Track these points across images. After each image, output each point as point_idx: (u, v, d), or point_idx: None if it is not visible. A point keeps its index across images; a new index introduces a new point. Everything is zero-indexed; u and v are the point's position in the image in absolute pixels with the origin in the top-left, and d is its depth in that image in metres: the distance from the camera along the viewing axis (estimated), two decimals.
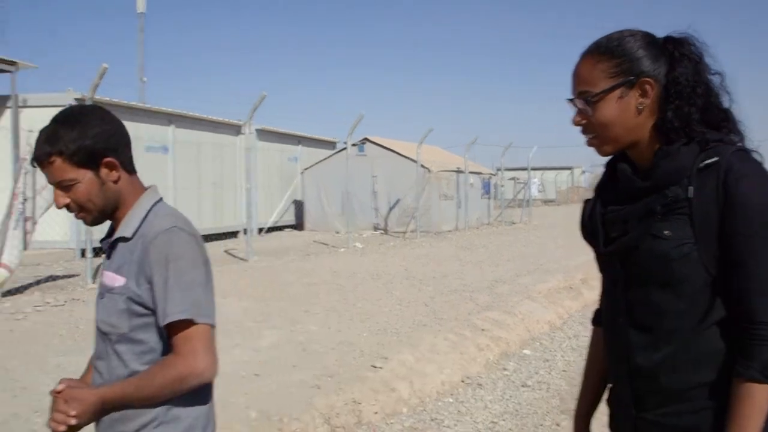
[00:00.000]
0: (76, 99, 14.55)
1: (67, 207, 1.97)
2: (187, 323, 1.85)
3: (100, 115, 2.02)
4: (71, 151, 1.90)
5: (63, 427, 1.82)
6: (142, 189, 2.06)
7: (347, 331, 7.51)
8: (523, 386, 6.46)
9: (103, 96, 14.42)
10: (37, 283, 10.57)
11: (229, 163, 19.93)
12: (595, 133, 1.73)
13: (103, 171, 1.94)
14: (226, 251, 15.60)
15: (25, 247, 9.62)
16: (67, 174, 1.92)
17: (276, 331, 7.43)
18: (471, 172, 25.28)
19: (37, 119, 14.39)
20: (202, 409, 1.98)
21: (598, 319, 2.03)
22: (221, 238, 18.79)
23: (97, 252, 11.05)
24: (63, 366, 5.94)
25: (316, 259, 14.51)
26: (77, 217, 2.00)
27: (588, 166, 55.72)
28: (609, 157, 1.84)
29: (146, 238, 1.91)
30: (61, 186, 1.93)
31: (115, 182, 1.98)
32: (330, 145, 26.95)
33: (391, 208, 22.58)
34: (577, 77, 1.73)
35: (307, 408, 5.11)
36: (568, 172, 59.48)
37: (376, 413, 5.51)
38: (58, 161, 1.91)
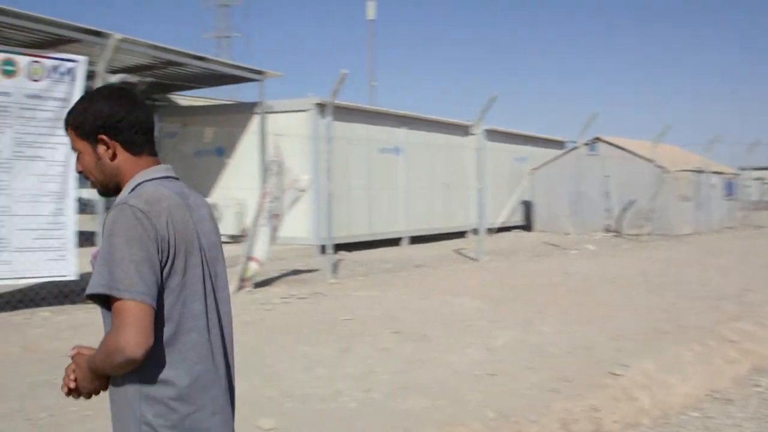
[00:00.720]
0: (316, 104, 15.43)
1: (82, 174, 2.12)
2: (116, 299, 1.84)
3: (111, 95, 2.08)
4: (75, 123, 2.05)
5: (65, 389, 2.00)
6: (146, 169, 2.08)
7: (582, 335, 7.27)
8: None
9: (339, 101, 15.14)
10: (283, 276, 11.31)
11: (458, 164, 20.15)
12: None
13: (100, 147, 2.04)
14: (455, 251, 15.78)
15: (273, 243, 10.34)
16: (74, 143, 2.08)
17: (509, 331, 7.36)
18: (712, 172, 23.63)
19: (281, 124, 15.48)
20: (163, 398, 1.93)
21: None
22: (451, 238, 19.03)
23: (337, 248, 11.65)
24: (309, 355, 6.29)
25: (547, 261, 14.25)
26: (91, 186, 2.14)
27: None
28: None
29: None
30: (76, 153, 2.10)
31: (112, 159, 2.05)
32: (558, 144, 26.43)
33: (624, 210, 21.68)
34: None
35: (544, 411, 4.99)
36: None
37: (615, 422, 5.27)
38: (70, 130, 2.08)
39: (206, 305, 2.03)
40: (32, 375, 5.60)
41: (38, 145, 7.86)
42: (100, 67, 8.37)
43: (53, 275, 8.14)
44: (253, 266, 9.91)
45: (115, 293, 1.84)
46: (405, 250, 16.91)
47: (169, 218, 1.96)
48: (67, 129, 2.10)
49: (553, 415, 4.99)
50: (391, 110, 18.82)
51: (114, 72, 8.57)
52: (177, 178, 2.15)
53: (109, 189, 2.12)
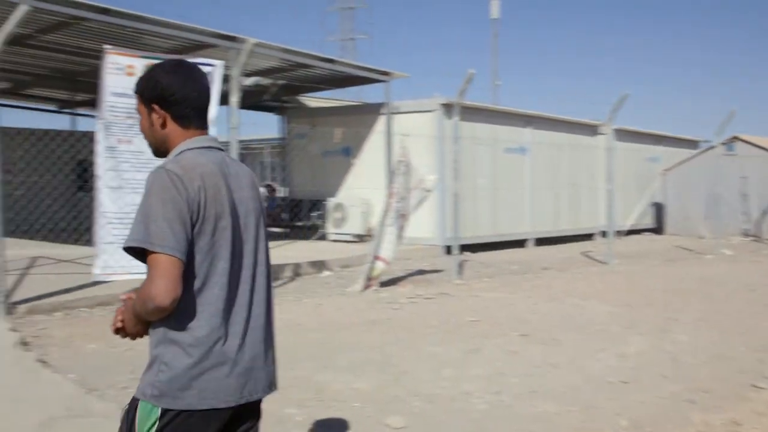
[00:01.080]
0: (442, 104, 15.44)
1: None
2: (150, 252, 2.08)
3: (171, 71, 2.33)
4: (138, 90, 2.35)
5: (113, 328, 2.30)
6: (190, 139, 2.32)
7: (721, 344, 6.92)
8: None
9: (464, 101, 15.07)
10: (409, 276, 11.39)
11: (585, 164, 19.64)
12: None
13: (153, 115, 2.31)
14: (583, 253, 15.39)
15: (399, 242, 10.42)
16: (138, 106, 2.37)
17: (642, 338, 7.11)
18: None
19: (407, 124, 15.58)
20: (183, 343, 2.16)
21: None
22: (577, 240, 18.58)
23: (461, 249, 11.61)
24: (436, 355, 6.31)
25: (681, 266, 13.66)
26: None
27: None
28: None
29: None
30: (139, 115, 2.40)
31: (162, 127, 2.31)
32: (692, 144, 25.28)
33: (764, 213, 20.50)
34: None
35: (682, 423, 4.79)
36: None
37: None
38: (136, 94, 2.36)
39: (232, 265, 2.24)
40: None
41: None
42: (236, 71, 8.69)
43: None
44: (379, 265, 10.03)
45: (149, 247, 2.08)
46: (531, 251, 16.65)
47: (202, 184, 2.17)
48: (135, 92, 2.39)
49: (691, 427, 4.78)
50: (517, 110, 18.57)
51: (247, 75, 8.87)
52: (220, 149, 2.38)
53: (160, 152, 2.37)
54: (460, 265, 11.48)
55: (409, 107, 16.56)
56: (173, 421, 2.17)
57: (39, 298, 8.19)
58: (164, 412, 2.17)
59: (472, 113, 15.40)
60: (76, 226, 19.64)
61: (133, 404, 2.23)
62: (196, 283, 2.18)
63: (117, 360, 6.05)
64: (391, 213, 10.07)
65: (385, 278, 10.45)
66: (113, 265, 7.95)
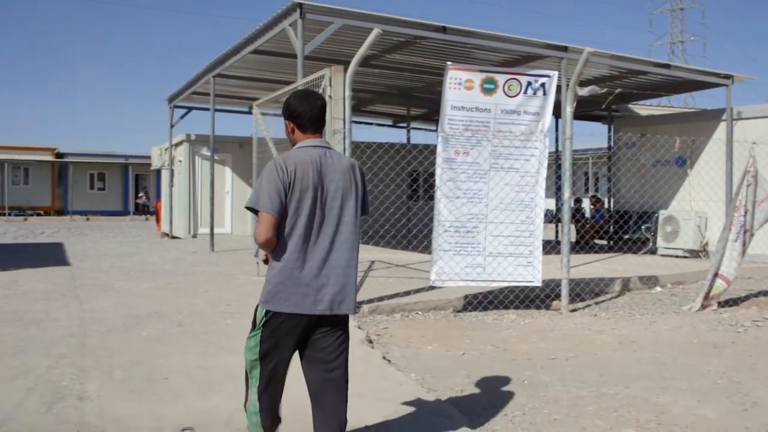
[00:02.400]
0: None
1: None
2: (257, 211, 3.42)
3: (297, 96, 3.69)
4: (282, 110, 3.71)
5: (263, 258, 3.62)
6: (303, 141, 3.66)
7: None
8: None
9: None
10: (751, 296, 10.38)
11: None
12: None
13: (288, 125, 3.68)
14: None
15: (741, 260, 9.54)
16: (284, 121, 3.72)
17: None
18: None
19: (753, 131, 14.27)
20: (277, 268, 3.48)
21: None
22: None
23: None
24: None
25: None
26: None
27: None
28: None
29: None
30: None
31: (292, 134, 3.69)
32: None
33: None
34: None
35: None
36: None
37: None
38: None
39: (309, 224, 3.47)
40: (505, 373, 5.97)
41: (513, 157, 8.38)
42: (572, 80, 8.61)
43: (520, 281, 8.60)
44: (719, 284, 9.27)
45: (257, 207, 3.41)
46: None
47: (294, 169, 3.45)
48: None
49: None
50: None
51: (581, 84, 8.74)
52: (327, 147, 3.63)
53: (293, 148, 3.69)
54: None
55: (755, 112, 15.21)
56: (271, 319, 3.48)
57: (380, 299, 8.83)
58: (266, 312, 3.49)
59: None
60: (405, 233, 20.97)
61: (257, 305, 3.56)
62: (286, 231, 3.45)
63: (454, 363, 6.30)
64: (734, 227, 9.26)
65: (723, 298, 9.64)
66: (448, 272, 8.31)
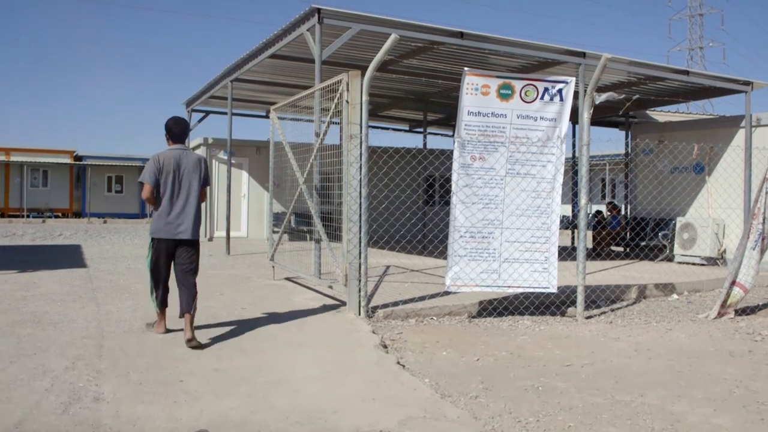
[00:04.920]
0: None
1: None
2: (143, 183, 6.76)
3: (172, 119, 7.06)
4: (164, 126, 7.22)
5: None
6: (171, 146, 6.96)
7: None
8: None
9: None
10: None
11: None
12: None
13: (166, 136, 7.12)
14: None
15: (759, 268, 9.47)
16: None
17: None
18: None
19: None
20: (156, 214, 6.80)
21: None
22: None
23: None
24: None
25: None
26: None
27: None
28: None
29: None
30: None
31: (167, 141, 6.95)
32: None
33: None
34: None
35: None
36: None
37: None
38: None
39: (172, 191, 6.70)
40: (519, 379, 5.96)
41: (530, 163, 8.37)
42: (590, 86, 8.59)
43: (535, 287, 8.58)
44: (737, 292, 9.20)
45: (143, 180, 6.68)
46: None
47: (163, 160, 6.70)
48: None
49: None
50: None
51: (599, 91, 8.72)
52: (184, 149, 6.88)
53: None
54: None
55: None
56: (156, 243, 6.82)
57: (395, 304, 8.83)
58: (153, 239, 6.85)
59: None
60: (421, 238, 20.97)
61: (150, 237, 6.87)
62: (160, 195, 6.68)
63: (468, 368, 6.29)
64: (752, 235, 9.19)
65: (740, 306, 9.56)
66: (463, 277, 8.31)
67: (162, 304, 7.03)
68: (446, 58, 13.84)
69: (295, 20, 11.51)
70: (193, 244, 6.83)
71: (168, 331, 7.09)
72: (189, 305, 6.67)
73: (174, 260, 6.83)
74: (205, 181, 6.92)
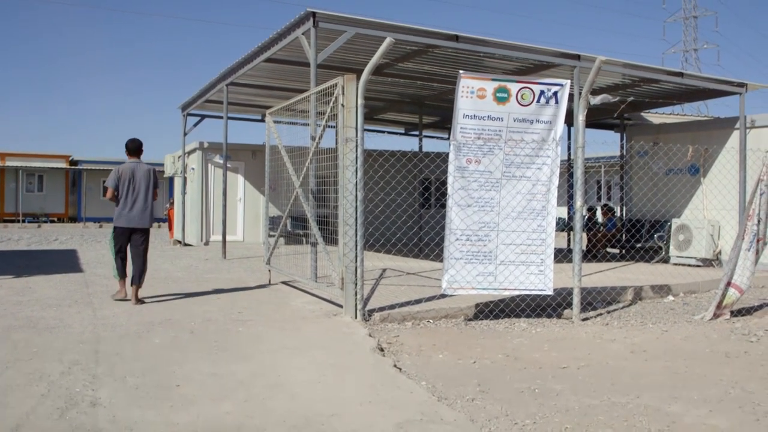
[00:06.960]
0: None
1: None
2: (107, 188, 9.50)
3: (131, 141, 9.71)
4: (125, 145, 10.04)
5: None
6: (129, 159, 9.58)
7: None
8: None
9: None
10: (764, 306, 10.32)
11: None
12: None
13: (125, 151, 9.77)
14: None
15: (754, 269, 9.50)
16: None
17: None
18: None
19: (764, 139, 14.22)
20: (117, 210, 9.42)
21: None
22: None
23: None
24: None
25: None
26: None
27: None
28: None
29: None
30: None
31: (126, 154, 9.61)
32: None
33: None
34: None
35: None
36: None
37: None
38: None
39: (127, 193, 9.25)
40: (516, 381, 5.97)
41: (525, 165, 8.39)
42: (585, 89, 8.61)
43: (532, 289, 8.58)
44: (732, 293, 9.23)
45: (108, 185, 9.39)
46: None
47: (121, 171, 9.29)
48: None
49: None
50: None
51: (594, 93, 8.74)
52: (138, 162, 9.45)
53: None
54: None
55: (766, 120, 15.13)
56: (116, 230, 9.41)
57: (392, 307, 8.84)
58: (114, 227, 9.43)
59: None
60: (417, 241, 20.97)
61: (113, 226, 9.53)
62: (119, 195, 9.27)
63: (465, 371, 6.30)
64: (747, 236, 9.22)
65: (736, 307, 9.59)
66: (459, 280, 8.31)
67: (122, 274, 9.44)
68: (441, 61, 13.86)
69: (291, 24, 11.52)
70: (143, 231, 9.42)
71: (126, 298, 9.41)
72: (137, 279, 9.24)
73: (129, 243, 9.41)
74: (155, 186, 9.44)
